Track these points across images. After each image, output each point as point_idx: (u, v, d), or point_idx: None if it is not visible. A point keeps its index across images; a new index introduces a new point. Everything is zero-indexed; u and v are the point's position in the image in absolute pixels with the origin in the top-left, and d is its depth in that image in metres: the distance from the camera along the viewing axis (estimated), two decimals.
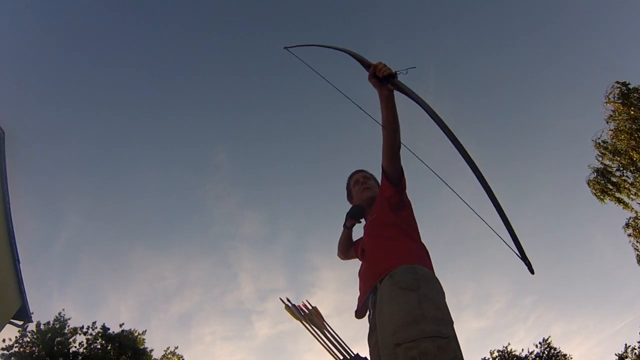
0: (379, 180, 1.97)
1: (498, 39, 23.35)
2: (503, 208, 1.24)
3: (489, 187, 1.27)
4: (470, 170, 1.32)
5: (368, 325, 1.67)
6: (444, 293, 1.47)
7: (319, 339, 1.76)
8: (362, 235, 2.05)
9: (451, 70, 23.93)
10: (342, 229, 2.26)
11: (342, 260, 2.31)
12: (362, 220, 2.18)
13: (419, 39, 23.63)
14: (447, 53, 23.51)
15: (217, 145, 23.02)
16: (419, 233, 1.83)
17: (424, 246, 1.77)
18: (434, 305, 1.35)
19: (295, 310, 1.82)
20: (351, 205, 2.21)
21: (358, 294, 1.78)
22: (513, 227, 1.21)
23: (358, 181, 2.18)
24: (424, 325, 1.27)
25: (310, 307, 1.86)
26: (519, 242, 1.19)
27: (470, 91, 23.61)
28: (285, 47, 2.25)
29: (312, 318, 1.81)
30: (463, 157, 1.33)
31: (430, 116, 1.43)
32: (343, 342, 1.79)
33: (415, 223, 1.86)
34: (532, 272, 1.17)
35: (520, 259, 1.18)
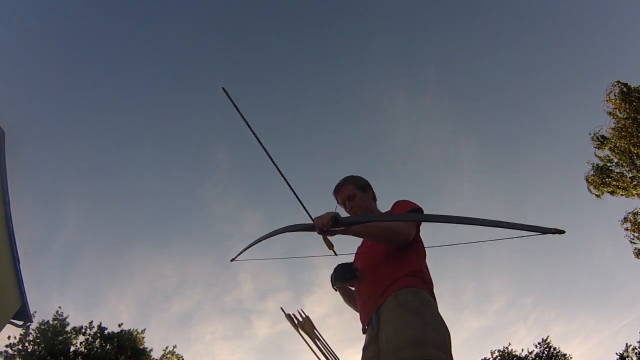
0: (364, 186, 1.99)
1: (498, 39, 23.31)
2: None
3: None
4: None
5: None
6: (444, 321, 1.52)
7: (312, 348, 1.80)
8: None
9: (451, 70, 23.89)
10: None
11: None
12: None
13: (419, 38, 23.60)
14: (447, 52, 23.47)
15: (217, 145, 23.01)
16: (425, 256, 1.78)
17: (428, 271, 1.74)
18: (435, 332, 1.43)
19: (290, 319, 1.87)
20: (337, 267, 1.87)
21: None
22: None
23: (344, 204, 1.96)
24: (427, 348, 1.35)
25: (304, 316, 1.90)
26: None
27: (470, 90, 23.58)
28: (231, 260, 2.06)
29: (304, 326, 1.84)
30: None
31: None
32: (333, 352, 1.79)
33: (423, 248, 1.80)
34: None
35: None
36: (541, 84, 21.76)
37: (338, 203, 2.01)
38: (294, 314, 1.89)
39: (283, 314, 1.92)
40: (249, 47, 22.18)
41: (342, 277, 1.85)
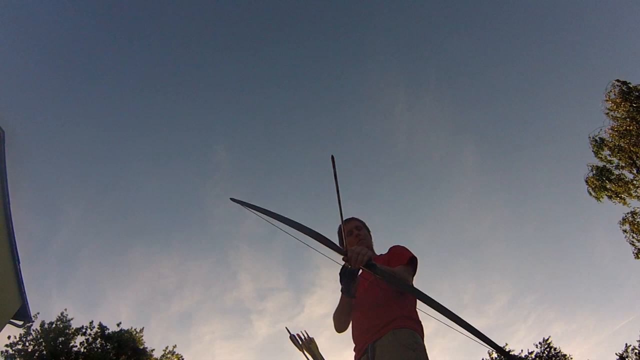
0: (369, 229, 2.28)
1: (498, 39, 23.31)
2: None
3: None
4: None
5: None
6: None
7: None
8: None
9: (451, 70, 23.90)
10: (341, 295, 1.97)
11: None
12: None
13: (420, 40, 23.60)
14: (448, 53, 23.48)
15: (217, 144, 23.04)
16: (417, 300, 1.93)
17: (417, 312, 1.93)
18: None
19: (294, 340, 1.95)
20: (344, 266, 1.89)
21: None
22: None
23: (351, 232, 2.22)
24: None
25: (307, 337, 1.97)
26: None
27: (471, 91, 23.59)
28: (231, 198, 2.21)
29: (310, 347, 1.91)
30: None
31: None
32: None
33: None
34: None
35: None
36: (541, 84, 21.77)
37: (342, 231, 2.14)
38: (298, 335, 1.97)
39: (287, 334, 2.00)
40: (248, 47, 22.20)
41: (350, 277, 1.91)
